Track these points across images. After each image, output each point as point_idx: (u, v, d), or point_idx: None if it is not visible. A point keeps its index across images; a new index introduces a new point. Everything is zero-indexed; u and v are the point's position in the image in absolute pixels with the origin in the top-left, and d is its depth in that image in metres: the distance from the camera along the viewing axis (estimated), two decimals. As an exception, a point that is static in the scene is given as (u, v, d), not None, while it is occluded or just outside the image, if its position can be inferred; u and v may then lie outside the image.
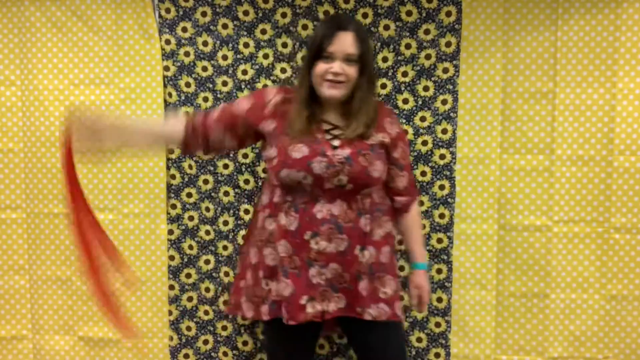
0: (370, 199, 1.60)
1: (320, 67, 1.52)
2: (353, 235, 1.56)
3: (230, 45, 2.04)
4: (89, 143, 1.57)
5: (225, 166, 2.09)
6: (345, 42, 1.51)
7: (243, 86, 2.05)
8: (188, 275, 2.15)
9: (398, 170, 1.67)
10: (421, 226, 1.76)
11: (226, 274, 2.13)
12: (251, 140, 1.67)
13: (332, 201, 1.55)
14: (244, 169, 2.08)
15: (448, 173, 2.04)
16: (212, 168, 2.09)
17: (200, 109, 2.07)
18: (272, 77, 2.04)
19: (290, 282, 1.56)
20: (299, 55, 2.02)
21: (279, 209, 1.58)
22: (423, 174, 2.05)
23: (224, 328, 2.16)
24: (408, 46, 2.00)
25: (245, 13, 2.02)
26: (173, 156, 2.10)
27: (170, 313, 2.16)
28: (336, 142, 1.56)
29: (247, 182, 2.09)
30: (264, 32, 2.03)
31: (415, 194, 1.75)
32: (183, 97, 2.07)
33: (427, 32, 1.99)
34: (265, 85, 2.04)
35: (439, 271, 2.08)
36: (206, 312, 2.15)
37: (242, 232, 2.10)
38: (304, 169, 1.51)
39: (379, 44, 2.01)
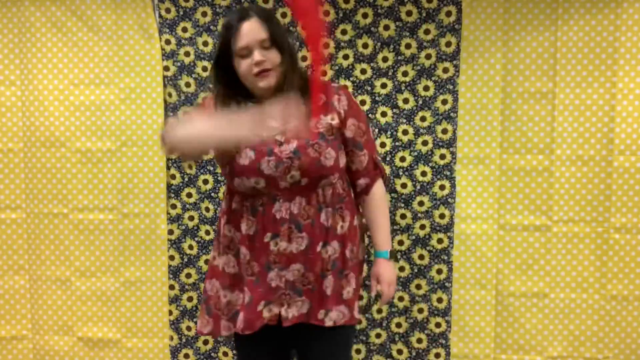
0: (332, 189, 1.50)
1: (243, 66, 1.43)
2: (313, 232, 1.47)
3: (230, 45, 2.04)
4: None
5: (225, 166, 2.09)
6: (252, 31, 1.40)
7: (243, 86, 2.05)
8: (188, 275, 2.14)
9: (358, 150, 1.53)
10: (386, 209, 1.61)
11: (226, 274, 2.13)
12: None
13: (291, 199, 1.46)
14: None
15: (448, 173, 2.04)
16: (211, 168, 2.09)
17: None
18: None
19: (247, 290, 1.49)
20: (299, 55, 2.02)
21: (239, 215, 1.50)
22: (423, 174, 2.05)
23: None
24: (408, 46, 2.00)
25: (245, 13, 2.02)
26: (173, 156, 2.10)
27: (170, 313, 2.16)
28: (281, 137, 1.45)
29: (247, 182, 2.09)
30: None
31: (377, 174, 1.59)
32: (183, 97, 2.07)
33: (427, 32, 1.99)
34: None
35: (439, 271, 2.08)
36: (206, 312, 2.15)
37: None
38: (255, 174, 1.43)
39: (379, 44, 2.01)
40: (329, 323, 1.49)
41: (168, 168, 2.11)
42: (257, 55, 1.41)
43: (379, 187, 1.59)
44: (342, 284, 1.51)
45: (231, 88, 1.49)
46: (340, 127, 1.50)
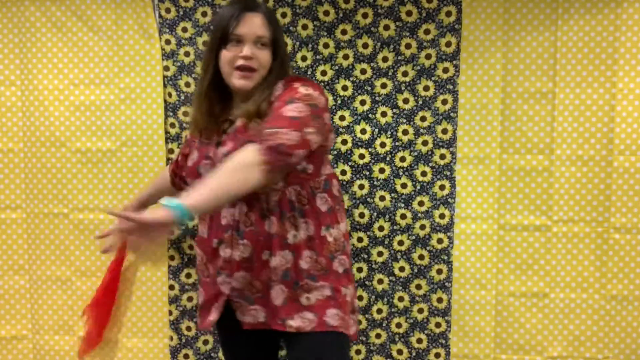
0: (281, 196, 1.41)
1: (229, 53, 1.36)
2: (256, 239, 1.41)
3: (230, 45, 2.04)
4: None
5: (225, 166, 2.09)
6: (254, 24, 1.35)
7: (243, 86, 2.05)
8: (188, 275, 2.14)
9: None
10: (234, 172, 1.23)
11: (226, 274, 2.13)
12: None
13: (234, 205, 1.40)
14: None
15: (448, 173, 2.04)
16: (212, 168, 2.09)
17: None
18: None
19: (202, 290, 1.53)
20: (299, 55, 2.02)
21: (200, 217, 1.52)
22: (423, 174, 2.05)
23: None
24: (408, 46, 2.01)
25: (245, 13, 2.02)
26: (173, 156, 2.10)
27: (170, 313, 2.16)
28: (223, 140, 1.41)
29: (247, 182, 2.08)
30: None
31: (260, 138, 1.28)
32: (183, 97, 2.07)
33: (427, 32, 1.99)
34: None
35: (439, 271, 2.08)
36: (206, 312, 2.15)
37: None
38: (195, 176, 1.42)
39: (379, 44, 2.01)
40: (290, 329, 1.43)
41: (168, 168, 2.11)
42: (246, 49, 1.35)
43: (250, 153, 1.25)
44: (298, 293, 1.43)
45: (214, 82, 1.43)
46: None
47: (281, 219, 1.41)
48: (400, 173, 2.06)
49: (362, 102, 2.04)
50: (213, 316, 1.50)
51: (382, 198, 2.07)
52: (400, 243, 2.08)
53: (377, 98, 2.04)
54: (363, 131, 2.05)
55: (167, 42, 2.05)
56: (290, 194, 1.42)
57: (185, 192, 1.24)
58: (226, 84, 1.43)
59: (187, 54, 2.06)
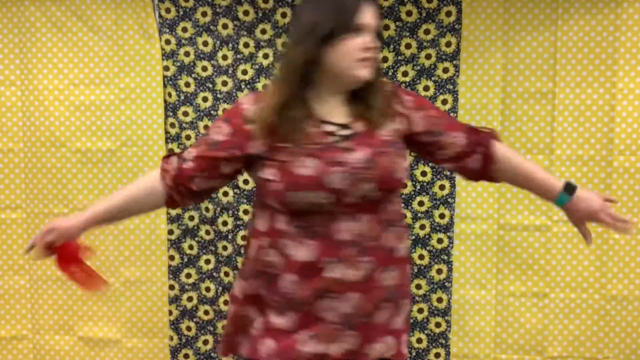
0: (394, 207, 1.30)
1: (355, 42, 1.22)
2: (378, 255, 1.25)
3: (230, 45, 2.04)
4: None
5: (225, 166, 2.09)
6: (372, 13, 1.25)
7: (243, 86, 2.05)
8: (188, 275, 2.15)
9: (445, 137, 1.32)
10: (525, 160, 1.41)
11: (226, 274, 2.13)
12: (243, 167, 1.33)
13: (355, 217, 1.23)
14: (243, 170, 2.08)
15: (448, 173, 2.04)
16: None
17: (199, 109, 2.07)
18: (272, 77, 2.04)
19: (293, 313, 1.26)
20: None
21: (286, 237, 1.25)
22: (423, 174, 2.05)
23: (224, 328, 2.16)
24: (408, 46, 2.01)
25: (245, 13, 2.02)
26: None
27: (170, 313, 2.16)
28: (345, 144, 1.24)
29: (246, 182, 2.09)
30: (263, 32, 2.03)
31: (485, 137, 1.35)
32: (183, 97, 2.07)
33: (427, 32, 1.99)
34: (265, 86, 2.04)
35: (439, 271, 2.08)
36: (206, 312, 2.15)
37: (242, 232, 2.10)
38: (319, 187, 1.20)
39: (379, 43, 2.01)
40: (373, 356, 1.28)
41: (168, 168, 2.10)
42: (372, 40, 1.24)
43: (501, 145, 1.37)
44: (392, 313, 1.31)
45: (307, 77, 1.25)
46: (408, 130, 1.31)
47: (397, 229, 1.30)
48: (400, 173, 2.06)
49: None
50: (315, 348, 1.26)
51: (382, 198, 2.07)
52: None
53: (377, 98, 2.04)
54: (363, 131, 2.05)
55: (167, 42, 2.06)
56: (396, 203, 1.32)
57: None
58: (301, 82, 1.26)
59: (187, 54, 2.06)
